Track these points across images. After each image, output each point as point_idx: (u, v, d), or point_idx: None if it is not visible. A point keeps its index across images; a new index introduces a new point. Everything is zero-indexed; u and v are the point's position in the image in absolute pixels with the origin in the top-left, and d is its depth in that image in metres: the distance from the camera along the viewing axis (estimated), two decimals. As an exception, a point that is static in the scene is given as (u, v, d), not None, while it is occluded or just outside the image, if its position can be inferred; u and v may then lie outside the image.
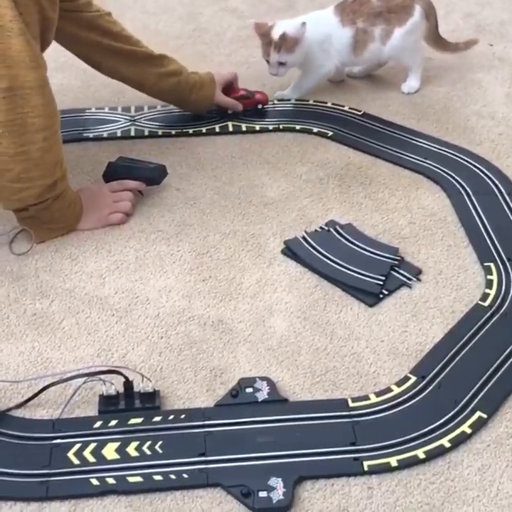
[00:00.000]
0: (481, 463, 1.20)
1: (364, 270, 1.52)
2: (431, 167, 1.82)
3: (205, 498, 1.16)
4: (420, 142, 1.90)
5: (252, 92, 2.00)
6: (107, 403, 1.26)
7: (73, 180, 1.77)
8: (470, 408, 1.26)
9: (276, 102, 2.06)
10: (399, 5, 2.00)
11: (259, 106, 2.00)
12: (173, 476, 1.17)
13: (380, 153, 1.87)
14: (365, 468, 1.18)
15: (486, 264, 1.55)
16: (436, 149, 1.88)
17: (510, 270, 1.53)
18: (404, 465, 1.19)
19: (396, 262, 1.55)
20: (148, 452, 1.20)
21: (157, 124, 1.97)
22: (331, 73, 2.07)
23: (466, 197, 1.73)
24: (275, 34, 1.92)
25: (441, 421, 1.25)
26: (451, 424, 1.24)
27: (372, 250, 1.57)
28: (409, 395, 1.29)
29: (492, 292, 1.48)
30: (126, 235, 1.63)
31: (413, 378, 1.32)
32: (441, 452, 1.21)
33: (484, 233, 1.63)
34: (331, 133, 1.94)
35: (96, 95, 2.08)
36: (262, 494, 1.14)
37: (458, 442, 1.22)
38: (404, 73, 2.11)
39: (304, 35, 1.92)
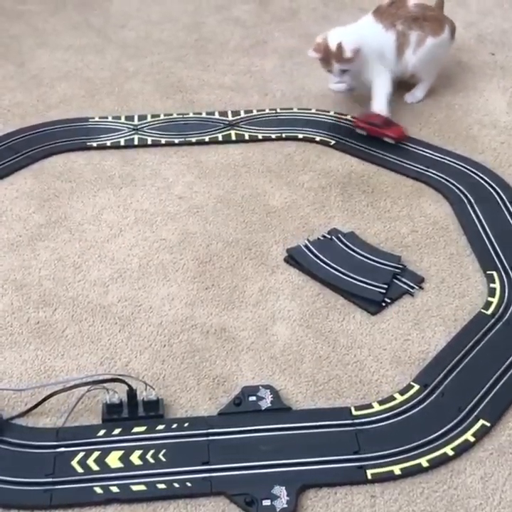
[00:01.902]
0: (484, 471, 1.20)
1: (366, 278, 1.52)
2: (433, 175, 1.82)
3: (208, 506, 1.16)
4: (422, 151, 1.91)
5: (388, 121, 1.93)
6: (111, 411, 1.27)
7: (77, 189, 1.79)
8: (473, 416, 1.27)
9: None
10: (433, 16, 2.02)
11: (388, 140, 1.93)
12: (176, 485, 1.17)
13: (382, 162, 1.88)
14: (369, 477, 1.18)
15: (488, 272, 1.55)
16: (438, 158, 1.88)
17: (512, 278, 1.54)
18: (407, 473, 1.19)
19: (398, 270, 1.55)
20: (152, 461, 1.20)
21: (160, 132, 1.97)
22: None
23: (468, 205, 1.74)
24: (332, 45, 1.93)
25: (445, 429, 1.25)
26: (455, 432, 1.24)
27: (374, 258, 1.58)
28: (412, 403, 1.29)
29: (495, 300, 1.49)
30: (130, 244, 1.64)
31: (416, 386, 1.32)
32: (444, 460, 1.21)
33: (486, 241, 1.63)
34: (333, 142, 1.94)
35: (99, 104, 2.09)
36: (266, 502, 1.14)
37: (461, 450, 1.22)
38: (406, 83, 2.12)
39: (360, 48, 1.93)
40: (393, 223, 1.70)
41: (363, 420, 1.26)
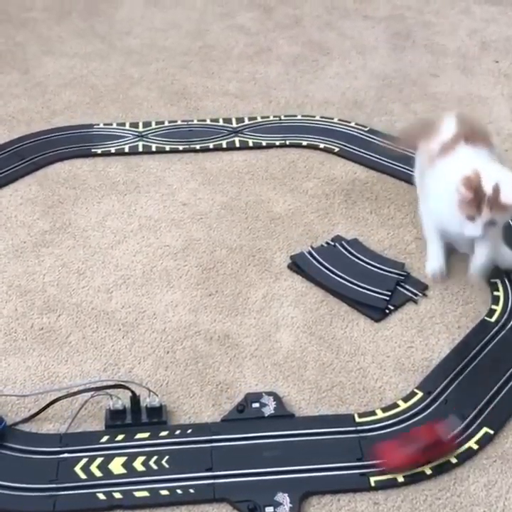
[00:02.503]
0: (487, 479, 1.20)
1: (370, 285, 1.52)
2: (437, 183, 1.82)
3: (212, 513, 1.16)
4: (426, 158, 1.91)
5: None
6: (114, 418, 1.27)
7: (81, 196, 1.79)
8: (476, 424, 1.26)
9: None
10: None
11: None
12: (179, 491, 1.17)
13: (386, 169, 1.88)
14: (372, 484, 1.18)
15: (492, 280, 1.55)
16: (442, 165, 1.88)
17: (516, 286, 1.54)
18: (410, 481, 1.19)
19: (402, 277, 1.55)
20: (155, 467, 1.20)
21: (165, 139, 1.98)
22: None
23: (472, 212, 1.73)
24: (487, 184, 1.43)
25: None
26: (458, 439, 1.24)
27: (378, 265, 1.58)
28: (415, 410, 1.29)
29: (498, 308, 1.48)
30: (134, 250, 1.64)
31: (419, 394, 1.32)
32: (447, 468, 1.21)
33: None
34: (337, 149, 1.95)
35: (104, 111, 2.10)
36: (269, 509, 1.14)
37: (464, 458, 1.22)
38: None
39: None
40: (397, 230, 1.70)
41: (366, 427, 1.26)
